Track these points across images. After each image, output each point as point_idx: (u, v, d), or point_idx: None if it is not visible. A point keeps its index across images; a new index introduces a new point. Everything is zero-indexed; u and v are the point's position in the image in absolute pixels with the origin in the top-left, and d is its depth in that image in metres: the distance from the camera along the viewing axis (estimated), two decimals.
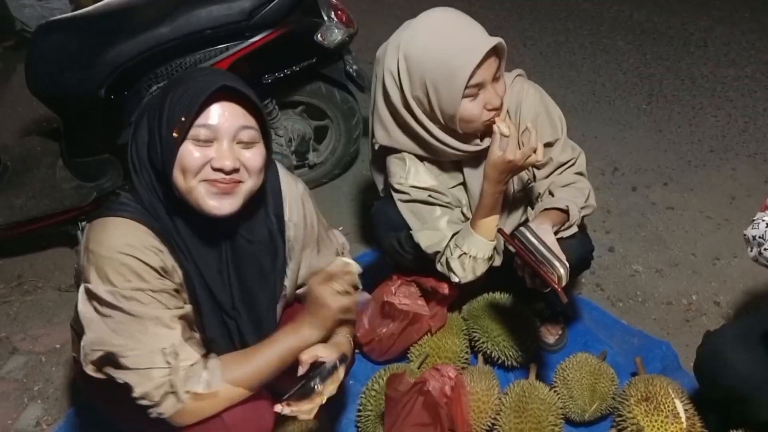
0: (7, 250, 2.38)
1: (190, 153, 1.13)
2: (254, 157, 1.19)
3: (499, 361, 1.84)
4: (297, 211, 1.40)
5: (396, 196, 1.69)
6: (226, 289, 1.30)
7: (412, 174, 1.65)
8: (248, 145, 1.18)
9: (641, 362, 1.77)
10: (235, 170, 1.16)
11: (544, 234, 1.44)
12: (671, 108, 3.23)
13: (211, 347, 1.29)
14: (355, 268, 1.30)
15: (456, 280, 1.65)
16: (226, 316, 1.32)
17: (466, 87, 1.45)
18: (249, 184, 1.20)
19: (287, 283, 1.41)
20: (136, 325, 1.13)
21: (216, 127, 1.14)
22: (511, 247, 1.45)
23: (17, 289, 2.27)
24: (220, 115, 1.14)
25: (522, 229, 1.44)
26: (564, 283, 1.39)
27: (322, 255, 1.48)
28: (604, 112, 3.22)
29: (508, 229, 1.60)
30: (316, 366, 1.27)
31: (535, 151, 1.47)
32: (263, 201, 1.33)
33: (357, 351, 1.94)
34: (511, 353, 1.82)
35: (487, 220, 1.60)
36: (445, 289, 1.83)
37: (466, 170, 1.68)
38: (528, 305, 1.91)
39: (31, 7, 3.67)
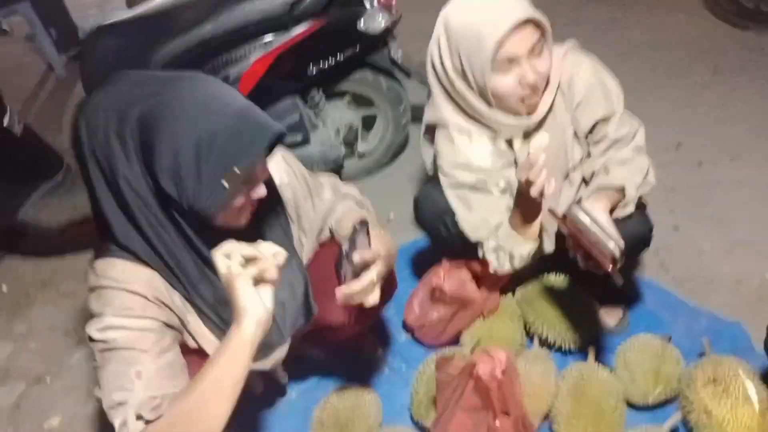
0: (74, 247, 2.46)
1: (239, 200, 1.13)
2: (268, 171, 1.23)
3: (556, 344, 1.78)
4: (283, 171, 1.41)
5: (443, 180, 1.65)
6: None
7: (461, 153, 1.60)
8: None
9: (709, 342, 1.68)
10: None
11: (597, 213, 1.38)
12: (736, 80, 3.05)
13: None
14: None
15: (493, 270, 1.61)
16: None
17: (495, 59, 1.40)
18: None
19: (304, 239, 1.46)
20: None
21: (256, 174, 1.15)
22: (562, 228, 1.40)
23: (84, 284, 2.35)
24: (259, 156, 1.12)
25: (573, 208, 1.37)
26: (619, 265, 1.33)
27: (319, 203, 1.50)
28: (663, 88, 3.07)
29: (561, 209, 1.54)
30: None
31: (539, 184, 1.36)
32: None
33: (410, 335, 1.92)
34: (567, 336, 1.75)
35: (525, 223, 1.54)
36: (492, 277, 1.79)
37: (516, 148, 1.62)
38: (587, 287, 1.83)
39: (94, 17, 3.82)
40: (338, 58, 2.25)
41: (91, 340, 1.14)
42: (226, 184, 1.04)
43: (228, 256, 1.03)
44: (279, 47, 2.14)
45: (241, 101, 1.09)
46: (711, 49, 3.34)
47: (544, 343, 1.81)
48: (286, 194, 1.41)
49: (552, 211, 1.42)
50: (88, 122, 1.08)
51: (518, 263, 1.58)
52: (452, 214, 1.67)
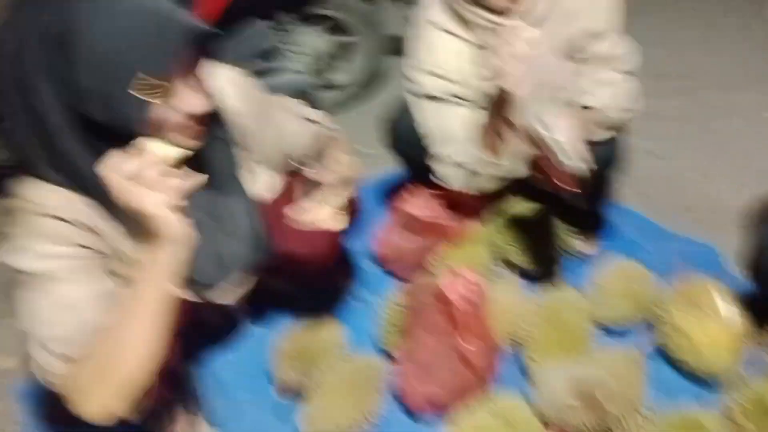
0: None
1: (161, 113, 0.97)
2: (207, 81, 1.06)
3: (529, 272, 1.73)
4: (230, 94, 1.28)
5: (410, 87, 1.56)
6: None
7: (439, 57, 1.51)
8: (199, 72, 1.04)
9: (682, 265, 1.64)
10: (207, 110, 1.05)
11: (560, 128, 1.29)
12: (726, 4, 2.95)
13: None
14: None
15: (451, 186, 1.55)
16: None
17: None
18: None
19: (259, 170, 1.35)
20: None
21: (176, 71, 0.97)
22: (522, 141, 1.32)
23: None
24: (174, 55, 0.95)
25: (530, 118, 1.29)
26: (583, 187, 1.27)
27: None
28: (648, 18, 2.97)
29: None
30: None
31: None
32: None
33: (379, 267, 1.87)
34: (541, 262, 1.71)
35: (495, 139, 1.45)
36: (470, 199, 1.73)
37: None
38: (563, 215, 1.78)
39: None
40: None
41: (16, 270, 1.03)
42: (135, 94, 0.93)
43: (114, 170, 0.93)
44: None
45: (154, 3, 0.95)
46: None
47: (515, 269, 1.76)
48: (236, 120, 1.29)
49: (508, 122, 1.34)
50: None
51: (482, 183, 1.51)
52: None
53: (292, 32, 2.29)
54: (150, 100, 0.95)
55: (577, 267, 1.77)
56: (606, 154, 1.52)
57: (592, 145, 1.36)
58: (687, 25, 2.83)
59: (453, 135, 1.52)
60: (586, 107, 1.44)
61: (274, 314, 1.78)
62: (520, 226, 1.73)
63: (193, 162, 1.12)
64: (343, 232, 1.49)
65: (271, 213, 1.38)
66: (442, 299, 1.34)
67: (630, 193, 2.06)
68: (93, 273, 1.05)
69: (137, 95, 0.93)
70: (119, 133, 0.97)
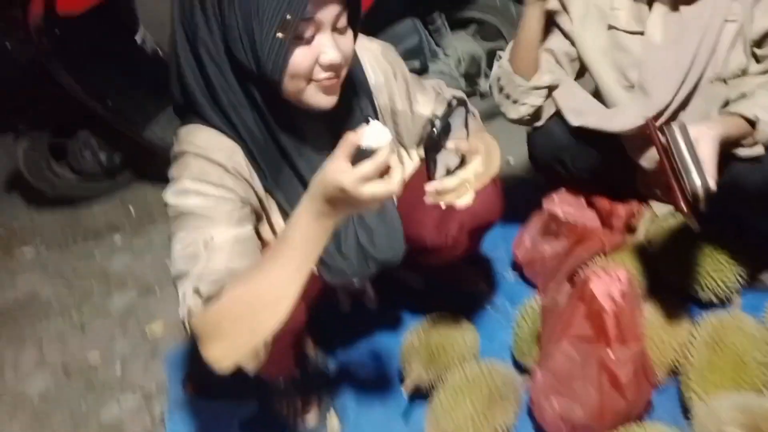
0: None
1: (299, 57, 0.99)
2: (349, 42, 1.06)
3: (691, 293, 1.51)
4: (380, 71, 1.27)
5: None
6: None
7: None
8: (342, 30, 1.04)
9: None
10: (342, 64, 1.04)
11: (703, 140, 1.13)
12: None
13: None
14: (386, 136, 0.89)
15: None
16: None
17: None
18: (344, 72, 1.08)
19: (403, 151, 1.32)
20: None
21: (319, 20, 0.98)
22: (655, 142, 1.16)
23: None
24: (321, 5, 0.97)
25: (674, 125, 1.13)
26: (701, 209, 1.10)
27: (423, 110, 1.34)
28: None
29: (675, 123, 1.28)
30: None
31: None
32: (350, 80, 1.17)
33: (518, 274, 1.74)
34: (707, 284, 1.48)
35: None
36: (621, 212, 1.57)
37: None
38: (739, 235, 1.53)
39: None
40: None
41: (167, 205, 1.07)
42: (280, 35, 0.94)
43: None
44: None
45: None
46: None
47: (677, 291, 1.54)
48: (381, 97, 1.27)
49: (649, 121, 1.18)
50: None
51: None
52: (571, 150, 1.48)
53: (444, 35, 2.24)
54: (292, 43, 0.97)
55: (755, 296, 1.53)
56: (759, 177, 1.29)
57: (739, 163, 1.21)
58: None
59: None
60: (734, 113, 1.25)
61: (405, 309, 1.71)
62: (686, 242, 1.51)
63: (333, 136, 1.11)
64: (479, 232, 1.40)
65: (407, 196, 1.32)
66: (588, 300, 1.19)
67: None
68: (238, 218, 1.07)
69: (280, 37, 0.95)
70: (267, 80, 1.00)
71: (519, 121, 1.51)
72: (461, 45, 2.34)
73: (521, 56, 1.42)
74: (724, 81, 1.35)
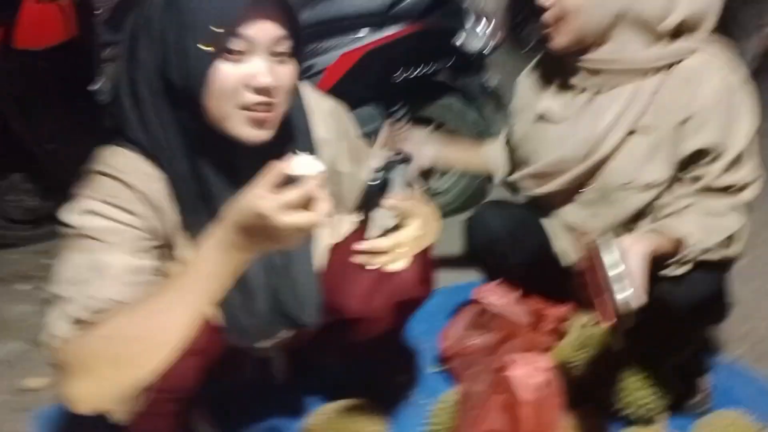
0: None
1: (223, 72, 0.93)
2: (287, 73, 1.00)
3: (617, 411, 1.43)
4: (330, 127, 1.22)
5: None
6: None
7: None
8: (283, 58, 0.98)
9: None
10: (272, 91, 0.96)
11: (632, 254, 1.11)
12: None
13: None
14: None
15: None
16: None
17: None
18: (281, 107, 1.01)
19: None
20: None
21: (252, 38, 0.93)
22: (582, 253, 1.15)
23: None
24: (256, 22, 0.93)
25: (605, 241, 1.12)
26: (625, 324, 1.07)
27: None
28: None
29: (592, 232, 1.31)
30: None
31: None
32: (291, 125, 1.12)
33: (442, 368, 1.64)
34: (633, 402, 1.41)
35: None
36: (552, 314, 1.53)
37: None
38: (668, 354, 1.48)
39: None
40: (428, 69, 2.14)
41: (64, 224, 0.96)
42: (206, 47, 0.90)
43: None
44: (369, 44, 2.06)
45: None
46: None
47: (601, 406, 1.46)
48: (326, 153, 1.21)
49: (579, 232, 1.19)
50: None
51: None
52: (506, 241, 1.47)
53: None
54: (219, 57, 0.92)
55: (678, 417, 1.47)
56: (684, 294, 1.27)
57: (672, 280, 1.21)
58: None
59: None
60: (662, 232, 1.25)
61: (314, 390, 1.57)
62: (615, 357, 1.46)
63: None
64: (406, 309, 1.33)
65: (336, 261, 1.24)
66: (506, 389, 1.09)
67: (750, 355, 1.73)
68: (139, 248, 0.96)
69: (206, 49, 0.91)
70: (194, 102, 0.95)
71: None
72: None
73: None
74: (644, 195, 1.36)
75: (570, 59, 1.37)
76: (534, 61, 1.56)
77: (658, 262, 1.19)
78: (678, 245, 1.23)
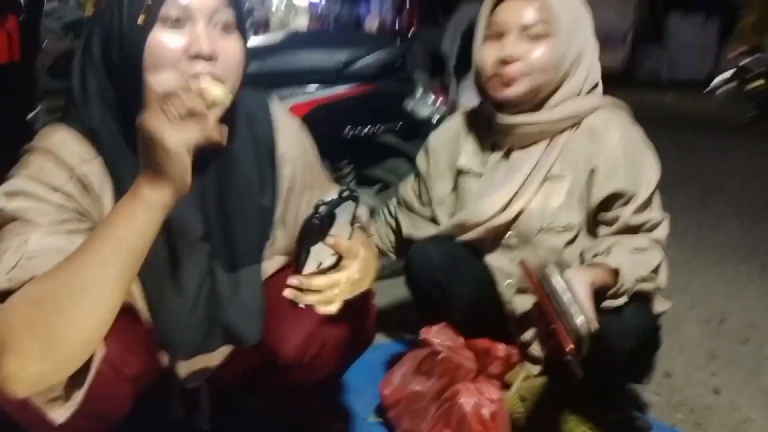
0: None
1: (160, 41, 0.92)
2: (232, 44, 0.97)
3: None
4: (294, 145, 1.20)
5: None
6: (195, 213, 1.05)
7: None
8: (226, 30, 0.96)
9: None
10: (213, 57, 0.94)
11: (577, 283, 1.18)
12: None
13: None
14: None
15: None
16: (186, 247, 1.06)
17: (487, 25, 1.40)
18: (229, 82, 0.96)
19: (279, 232, 1.17)
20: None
21: (188, 5, 0.93)
22: (531, 290, 1.21)
23: None
24: None
25: (550, 269, 1.18)
26: (584, 352, 1.12)
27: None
28: (710, 270, 2.88)
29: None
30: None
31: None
32: (248, 124, 1.12)
33: (379, 419, 1.57)
34: None
35: None
36: (500, 351, 1.50)
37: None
38: (603, 413, 1.49)
39: None
40: (376, 130, 2.19)
41: None
42: (141, 19, 0.92)
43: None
44: (319, 99, 2.10)
45: None
46: (764, 251, 3.20)
47: None
48: (285, 169, 1.19)
49: (524, 265, 1.23)
50: None
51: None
52: (447, 270, 1.47)
53: (347, 180, 2.29)
54: (156, 26, 0.92)
55: None
56: (624, 324, 1.30)
57: (607, 313, 1.25)
58: (749, 287, 2.67)
59: None
60: (599, 265, 1.30)
61: None
62: (552, 401, 1.45)
63: (217, 174, 1.05)
64: (344, 358, 1.27)
65: (273, 300, 1.18)
66: (456, 418, 1.06)
67: (687, 423, 1.75)
68: (68, 229, 0.90)
69: (141, 22, 0.92)
70: (135, 75, 0.93)
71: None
72: (364, 199, 2.38)
73: None
74: (572, 243, 1.43)
75: (489, 120, 1.48)
76: (445, 123, 1.67)
77: (597, 294, 1.23)
78: (613, 277, 1.28)
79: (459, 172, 1.55)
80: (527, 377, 1.54)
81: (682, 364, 2.05)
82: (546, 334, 1.18)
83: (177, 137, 0.80)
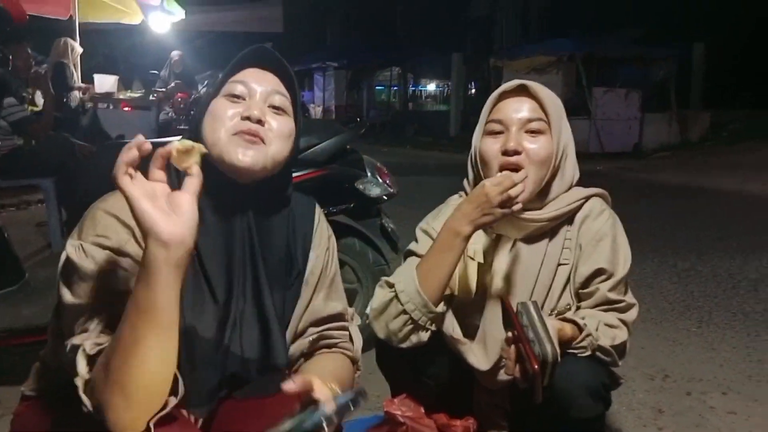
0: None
1: (221, 105, 1.14)
2: (282, 123, 1.16)
3: None
4: (322, 246, 1.30)
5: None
6: (222, 272, 1.14)
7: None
8: (278, 111, 1.17)
9: None
10: (261, 122, 1.12)
11: (550, 321, 1.33)
12: (724, 332, 3.02)
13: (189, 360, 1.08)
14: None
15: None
16: (217, 309, 1.13)
17: (488, 120, 1.47)
18: (273, 148, 1.13)
19: (293, 322, 1.23)
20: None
21: (250, 85, 1.15)
22: (509, 321, 1.34)
23: None
24: (255, 75, 1.17)
25: (528, 302, 1.33)
26: (545, 379, 1.26)
27: (328, 303, 1.29)
28: (651, 329, 3.03)
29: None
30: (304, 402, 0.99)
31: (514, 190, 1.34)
32: (291, 215, 1.25)
33: None
34: None
35: (432, 271, 1.43)
36: (458, 428, 1.56)
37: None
38: None
39: None
40: (331, 210, 2.28)
41: (66, 252, 1.04)
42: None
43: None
44: None
45: None
46: (697, 307, 3.39)
47: None
48: (310, 262, 1.27)
49: (505, 301, 1.35)
50: None
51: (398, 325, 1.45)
52: (421, 355, 1.51)
53: None
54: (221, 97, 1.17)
55: None
56: (582, 377, 1.38)
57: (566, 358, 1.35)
58: (687, 342, 2.82)
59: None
60: (569, 319, 1.42)
61: None
62: None
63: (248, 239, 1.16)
64: None
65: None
66: None
67: None
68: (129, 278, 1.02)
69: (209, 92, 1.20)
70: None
71: (407, 348, 1.48)
72: None
73: (434, 285, 1.43)
74: (553, 312, 1.51)
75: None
76: (445, 206, 1.63)
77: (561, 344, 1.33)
78: (577, 334, 1.40)
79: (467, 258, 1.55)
80: None
81: (632, 420, 2.16)
82: (517, 360, 1.29)
83: (132, 193, 0.86)
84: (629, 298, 1.52)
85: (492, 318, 1.48)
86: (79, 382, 0.94)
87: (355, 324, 1.35)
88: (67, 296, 1.02)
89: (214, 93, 1.17)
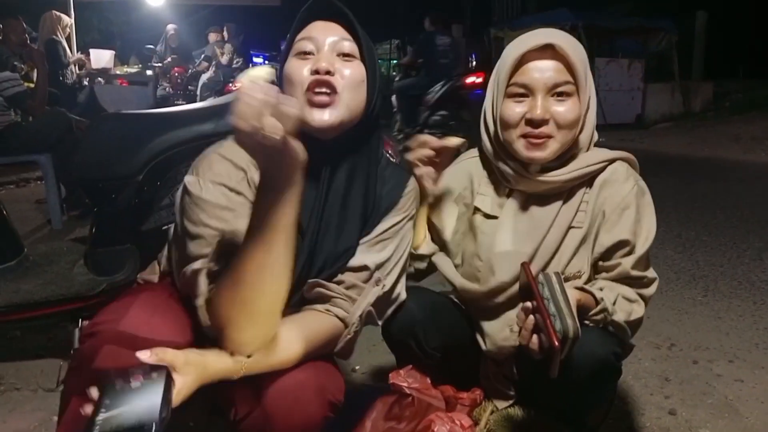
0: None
1: (294, 66, 1.18)
2: (354, 70, 1.19)
3: None
4: (404, 211, 1.34)
5: None
6: (310, 216, 1.21)
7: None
8: (349, 58, 1.19)
9: None
10: (330, 73, 1.15)
11: (571, 292, 1.27)
12: (730, 301, 3.00)
13: None
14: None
15: None
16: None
17: (510, 82, 1.39)
18: (345, 95, 1.17)
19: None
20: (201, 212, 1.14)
21: (317, 39, 1.18)
22: (527, 288, 1.27)
23: None
24: (320, 27, 1.20)
25: (550, 273, 1.27)
26: (564, 354, 1.19)
27: (366, 254, 1.28)
28: (657, 298, 2.97)
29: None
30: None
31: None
32: (379, 175, 1.30)
33: None
34: None
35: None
36: (465, 400, 1.54)
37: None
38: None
39: None
40: None
41: (186, 187, 1.16)
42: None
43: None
44: None
45: None
46: (702, 276, 3.37)
47: None
48: (384, 222, 1.31)
49: (526, 267, 1.29)
50: None
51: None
52: (425, 325, 1.49)
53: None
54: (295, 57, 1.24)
55: None
56: (594, 348, 1.35)
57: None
58: (693, 311, 2.80)
59: None
60: (587, 290, 1.38)
61: None
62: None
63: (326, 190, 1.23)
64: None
65: None
66: None
67: None
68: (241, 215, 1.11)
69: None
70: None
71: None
72: None
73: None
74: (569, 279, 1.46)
75: (502, 171, 1.48)
76: (459, 161, 1.61)
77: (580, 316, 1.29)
78: (593, 305, 1.35)
79: (474, 210, 1.55)
80: (494, 411, 1.59)
81: (638, 388, 2.15)
82: (534, 330, 1.23)
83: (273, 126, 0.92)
84: (650, 273, 1.47)
85: (499, 271, 1.47)
86: (201, 300, 1.07)
87: (374, 287, 1.30)
88: (187, 224, 1.13)
89: (285, 56, 1.21)
